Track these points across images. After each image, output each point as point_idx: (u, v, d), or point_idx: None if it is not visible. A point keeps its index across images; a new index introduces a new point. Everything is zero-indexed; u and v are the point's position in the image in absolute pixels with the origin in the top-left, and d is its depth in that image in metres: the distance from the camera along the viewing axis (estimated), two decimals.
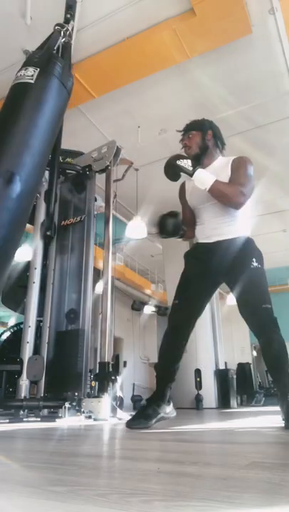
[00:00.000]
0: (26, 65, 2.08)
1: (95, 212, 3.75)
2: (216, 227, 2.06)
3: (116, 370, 3.14)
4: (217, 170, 2.09)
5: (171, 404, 2.11)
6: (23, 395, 2.91)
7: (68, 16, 2.27)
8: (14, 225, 1.67)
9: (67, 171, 3.73)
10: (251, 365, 9.90)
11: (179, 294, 2.09)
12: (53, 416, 2.84)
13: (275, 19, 3.66)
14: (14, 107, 1.95)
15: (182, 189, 2.34)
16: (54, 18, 2.53)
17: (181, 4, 3.54)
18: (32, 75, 2.00)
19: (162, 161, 2.19)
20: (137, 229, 5.63)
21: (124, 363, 8.72)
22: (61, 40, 2.16)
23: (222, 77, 4.37)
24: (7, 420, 2.66)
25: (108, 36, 3.86)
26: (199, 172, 1.98)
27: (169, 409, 2.07)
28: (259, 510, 0.53)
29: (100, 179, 3.77)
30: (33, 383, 2.99)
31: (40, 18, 3.63)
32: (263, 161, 5.79)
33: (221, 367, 6.74)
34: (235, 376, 6.72)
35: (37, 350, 3.10)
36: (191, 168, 1.99)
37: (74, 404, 2.79)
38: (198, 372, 6.34)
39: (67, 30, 2.19)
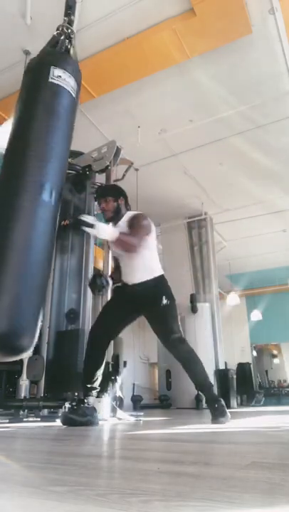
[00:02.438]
0: (52, 64, 1.96)
1: (95, 212, 3.75)
2: (129, 273, 2.47)
3: (116, 370, 3.14)
4: (122, 225, 2.48)
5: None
6: (23, 395, 2.92)
7: (69, 16, 2.27)
8: (49, 235, 1.66)
9: (67, 171, 3.73)
10: (251, 365, 9.90)
11: (100, 317, 2.54)
12: (53, 416, 2.84)
13: (275, 19, 3.66)
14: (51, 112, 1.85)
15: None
16: (54, 18, 2.52)
17: (181, 4, 3.54)
18: (65, 79, 1.90)
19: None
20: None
21: (124, 363, 8.70)
22: (67, 40, 2.14)
23: (222, 77, 4.37)
24: (7, 420, 2.66)
25: (108, 36, 3.86)
26: (100, 227, 2.21)
27: (96, 415, 2.34)
28: (259, 510, 0.53)
29: (99, 179, 3.78)
30: (33, 383, 2.99)
31: (40, 18, 3.63)
32: (263, 161, 5.80)
33: (221, 367, 6.74)
34: (235, 376, 6.72)
35: (37, 350, 3.10)
36: (92, 223, 2.23)
37: (74, 404, 2.78)
38: None
39: (70, 29, 2.18)
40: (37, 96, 1.85)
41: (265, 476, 0.75)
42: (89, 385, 2.38)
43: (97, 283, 2.55)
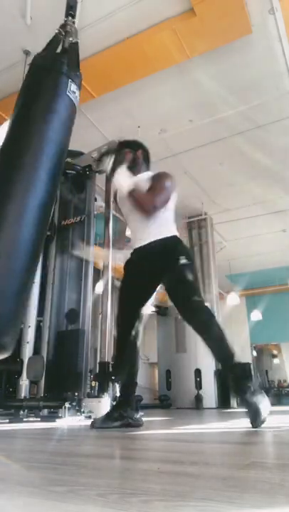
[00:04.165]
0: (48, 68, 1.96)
1: (95, 212, 3.76)
2: (141, 234, 2.21)
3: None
4: (139, 181, 2.22)
5: (139, 412, 2.27)
6: (23, 395, 2.92)
7: (70, 16, 2.26)
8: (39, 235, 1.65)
9: (67, 171, 3.73)
10: (251, 365, 9.90)
11: (121, 298, 2.26)
12: (53, 416, 2.84)
13: (275, 19, 3.66)
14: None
15: (115, 195, 2.52)
16: (54, 18, 2.52)
17: (181, 4, 3.54)
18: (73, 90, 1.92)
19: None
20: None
21: None
22: (68, 40, 2.14)
23: (222, 77, 4.37)
24: (7, 420, 2.66)
25: (108, 36, 3.86)
26: (120, 175, 2.12)
27: (136, 416, 2.17)
28: (259, 510, 0.53)
29: (99, 179, 3.78)
30: (33, 383, 2.99)
31: (40, 18, 3.63)
32: (263, 161, 5.80)
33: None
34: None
35: (37, 350, 3.10)
36: (109, 170, 2.16)
37: (74, 404, 2.79)
38: (198, 372, 6.34)
39: (73, 29, 2.18)
40: (53, 106, 1.83)
41: (265, 476, 0.75)
42: (133, 387, 2.18)
43: (106, 378, 2.43)
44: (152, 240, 2.14)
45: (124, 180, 2.12)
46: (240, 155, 5.67)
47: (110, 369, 3.04)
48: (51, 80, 1.89)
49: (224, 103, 4.70)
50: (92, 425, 2.09)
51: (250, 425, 1.77)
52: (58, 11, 2.38)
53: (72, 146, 2.38)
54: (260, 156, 5.68)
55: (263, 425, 1.76)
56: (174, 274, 2.09)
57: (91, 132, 5.06)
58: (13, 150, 1.71)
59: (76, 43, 2.12)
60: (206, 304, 2.19)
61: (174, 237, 2.18)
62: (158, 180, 2.20)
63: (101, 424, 2.07)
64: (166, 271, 2.11)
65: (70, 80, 1.88)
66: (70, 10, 2.26)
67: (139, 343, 2.19)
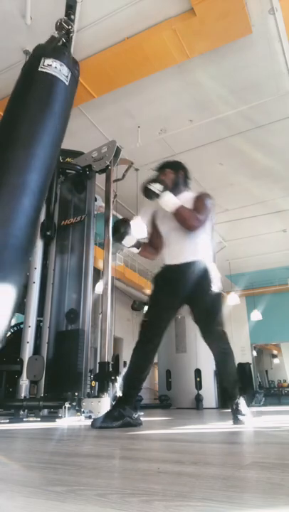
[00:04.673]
0: (47, 56, 2.00)
1: (95, 212, 3.75)
2: (177, 252, 2.30)
3: (116, 370, 3.13)
4: (182, 201, 2.32)
5: (138, 412, 2.25)
6: (23, 394, 2.91)
7: (69, 16, 2.27)
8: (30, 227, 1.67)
9: (67, 171, 3.73)
10: (251, 365, 9.90)
11: (150, 312, 2.31)
12: (53, 416, 2.84)
13: (275, 19, 3.66)
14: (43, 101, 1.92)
15: (153, 215, 2.57)
16: (54, 18, 2.53)
17: (181, 4, 3.54)
18: (62, 71, 1.95)
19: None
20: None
21: (124, 363, 8.71)
22: (64, 36, 2.16)
23: (222, 77, 4.37)
24: (7, 420, 2.66)
25: (108, 36, 3.86)
26: (166, 195, 2.22)
27: (135, 416, 2.18)
28: (259, 510, 0.53)
29: (99, 179, 3.77)
30: (33, 383, 2.99)
31: (40, 18, 3.63)
32: (263, 161, 5.80)
33: None
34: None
35: (37, 350, 3.10)
36: (160, 191, 2.23)
37: (74, 404, 2.79)
38: (198, 372, 6.34)
39: (70, 26, 2.19)
40: (27, 86, 1.91)
41: (265, 476, 0.75)
42: (137, 390, 2.24)
43: (120, 230, 2.34)
44: (189, 260, 2.24)
45: (171, 198, 2.22)
46: (240, 155, 5.67)
47: (110, 369, 3.03)
48: (25, 66, 2.00)
49: (224, 103, 4.70)
50: (93, 425, 2.09)
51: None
52: (58, 11, 2.39)
53: (73, 146, 2.38)
54: (260, 156, 5.68)
55: (260, 426, 1.76)
56: (207, 298, 2.19)
57: (91, 132, 5.07)
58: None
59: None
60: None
61: (209, 261, 2.28)
62: (201, 199, 2.34)
63: (101, 423, 2.07)
64: (201, 293, 2.20)
65: (42, 57, 1.94)
66: (70, 9, 2.27)
67: (154, 357, 2.28)
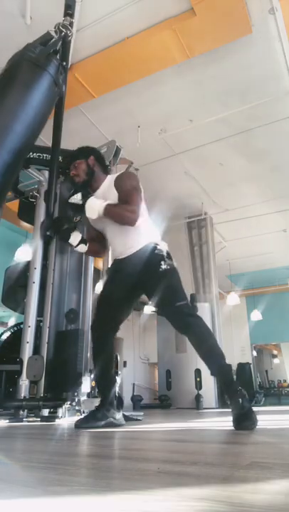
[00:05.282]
0: (23, 57, 2.07)
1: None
2: (121, 244, 2.17)
3: (115, 370, 3.13)
4: (105, 192, 2.19)
5: (121, 412, 2.24)
6: (23, 395, 2.91)
7: (67, 15, 2.27)
8: None
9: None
10: (251, 365, 9.90)
11: (100, 303, 2.23)
12: (52, 416, 2.84)
13: (275, 19, 3.66)
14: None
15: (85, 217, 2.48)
16: (54, 18, 2.53)
17: (181, 4, 3.54)
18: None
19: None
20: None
21: (124, 363, 8.72)
22: (61, 38, 2.16)
23: (222, 77, 4.37)
24: (7, 420, 2.66)
25: (108, 36, 3.86)
26: (88, 204, 2.08)
27: (118, 416, 2.17)
28: (259, 510, 0.53)
29: None
30: (33, 383, 2.99)
31: (40, 18, 3.63)
32: (263, 161, 5.80)
33: None
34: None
35: (37, 350, 3.10)
36: (81, 202, 2.11)
37: (74, 404, 2.78)
38: (198, 372, 6.33)
39: (68, 27, 2.19)
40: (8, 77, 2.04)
41: (265, 476, 0.75)
42: (111, 387, 2.19)
43: (62, 228, 2.25)
44: (134, 250, 2.12)
45: (93, 204, 2.07)
46: (240, 155, 5.67)
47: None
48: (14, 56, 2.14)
49: (224, 103, 4.70)
50: (76, 425, 2.07)
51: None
52: (58, 11, 2.39)
53: (73, 145, 2.38)
54: (260, 156, 5.69)
55: (260, 426, 1.76)
56: (158, 278, 2.05)
57: (91, 132, 5.06)
58: None
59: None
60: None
61: (155, 241, 2.15)
62: (123, 184, 2.14)
63: (85, 423, 2.06)
64: (151, 275, 2.08)
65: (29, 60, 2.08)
66: (69, 9, 2.27)
67: (111, 345, 2.25)
